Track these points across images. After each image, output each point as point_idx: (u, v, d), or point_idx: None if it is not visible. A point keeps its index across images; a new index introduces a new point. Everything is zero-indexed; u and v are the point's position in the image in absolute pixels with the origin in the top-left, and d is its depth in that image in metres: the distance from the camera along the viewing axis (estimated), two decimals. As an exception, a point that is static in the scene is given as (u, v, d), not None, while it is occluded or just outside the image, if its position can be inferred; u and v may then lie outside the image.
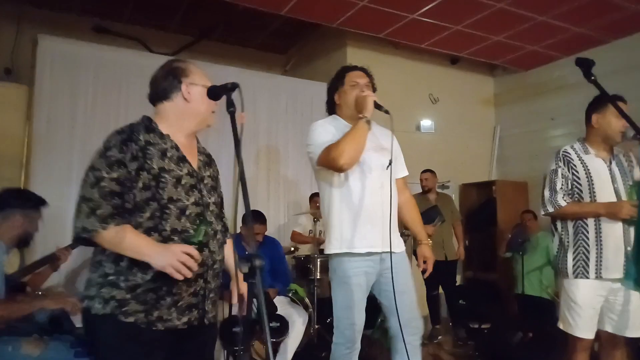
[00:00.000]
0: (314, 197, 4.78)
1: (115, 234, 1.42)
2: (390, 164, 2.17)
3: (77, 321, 2.22)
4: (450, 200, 5.20)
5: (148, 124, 1.57)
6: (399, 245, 2.28)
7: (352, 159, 2.10)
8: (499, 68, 6.35)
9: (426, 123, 5.99)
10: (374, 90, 2.34)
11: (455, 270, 4.96)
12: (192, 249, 1.41)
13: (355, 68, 2.37)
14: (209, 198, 1.62)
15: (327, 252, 2.25)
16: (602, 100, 2.34)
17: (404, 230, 3.98)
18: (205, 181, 1.63)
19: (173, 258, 1.39)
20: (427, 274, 2.37)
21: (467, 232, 5.58)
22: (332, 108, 2.40)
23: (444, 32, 5.06)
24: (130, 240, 1.43)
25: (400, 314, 2.12)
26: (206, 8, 5.20)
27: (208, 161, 1.71)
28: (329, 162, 2.12)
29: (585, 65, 1.61)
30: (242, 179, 1.34)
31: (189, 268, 1.41)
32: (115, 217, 1.43)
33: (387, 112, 2.09)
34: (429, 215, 4.37)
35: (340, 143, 2.09)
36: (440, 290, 4.82)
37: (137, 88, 4.35)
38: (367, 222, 2.17)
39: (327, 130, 2.23)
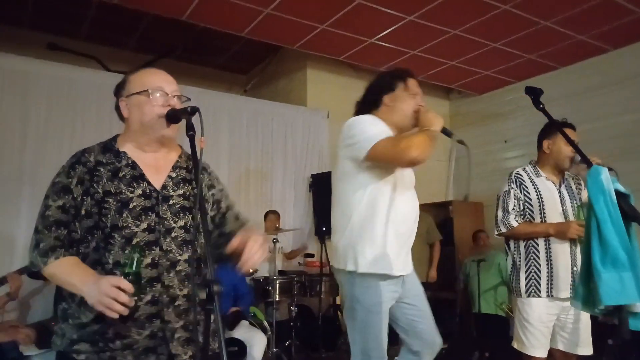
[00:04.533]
0: (270, 215, 4.73)
1: (54, 269, 1.33)
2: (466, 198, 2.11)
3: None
4: (427, 220, 4.99)
5: (108, 143, 1.47)
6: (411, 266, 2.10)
7: (424, 156, 1.82)
8: (455, 91, 6.58)
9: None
10: None
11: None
12: (122, 281, 1.21)
13: (413, 75, 2.12)
14: (174, 222, 1.42)
15: (358, 270, 1.90)
16: (552, 127, 2.46)
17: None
18: (172, 201, 1.43)
19: (101, 293, 1.20)
20: None
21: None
22: (370, 106, 2.08)
23: (401, 56, 5.21)
24: (66, 274, 1.31)
25: (427, 336, 2.07)
26: (166, 27, 5.15)
27: (188, 177, 1.50)
28: (396, 153, 1.83)
29: (534, 94, 1.69)
30: (200, 203, 1.32)
31: (124, 304, 1.21)
32: (56, 249, 1.33)
33: (461, 142, 2.04)
34: None
35: (414, 137, 1.85)
36: None
37: (93, 108, 4.23)
38: (404, 243, 2.00)
39: (378, 123, 1.96)
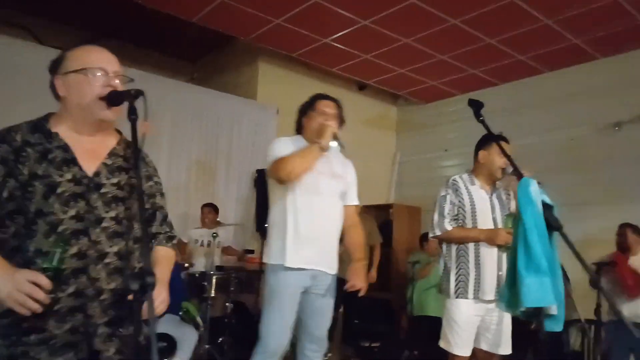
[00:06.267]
0: (204, 208, 4.65)
1: None
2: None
3: None
4: (369, 223, 5.15)
5: (38, 122, 1.37)
6: (334, 267, 2.41)
7: (294, 174, 2.24)
8: (402, 98, 6.76)
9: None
10: (342, 121, 2.51)
11: (358, 291, 5.00)
12: (40, 277, 1.14)
13: (327, 97, 2.50)
14: (105, 212, 1.34)
15: (265, 261, 2.37)
16: (488, 139, 2.61)
17: None
18: (104, 190, 1.35)
19: (14, 288, 1.12)
20: (362, 293, 2.47)
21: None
22: (299, 129, 2.52)
23: (353, 59, 5.29)
24: None
25: (314, 331, 2.33)
26: (113, 5, 4.91)
27: (125, 166, 1.42)
28: (274, 173, 2.27)
29: (476, 106, 1.78)
30: (139, 191, 1.27)
31: (38, 301, 1.14)
32: None
33: (341, 145, 2.33)
34: None
35: (289, 158, 2.25)
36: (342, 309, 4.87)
37: (25, 83, 3.94)
38: (307, 241, 2.29)
39: (285, 146, 2.34)
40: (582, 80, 5.07)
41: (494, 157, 2.63)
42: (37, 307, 1.13)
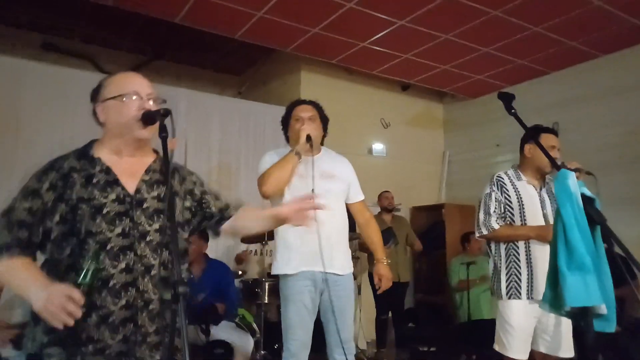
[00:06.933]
0: None
1: (4, 267, 1.33)
2: (313, 191, 2.32)
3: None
4: (405, 222, 5.33)
5: (83, 149, 1.48)
6: (344, 268, 2.40)
7: (274, 186, 2.29)
8: (448, 95, 6.60)
9: (378, 147, 6.12)
10: (326, 120, 2.51)
11: (405, 293, 5.03)
12: (73, 291, 1.19)
13: (303, 102, 2.52)
14: (149, 225, 1.42)
15: (272, 272, 2.42)
16: (533, 131, 2.49)
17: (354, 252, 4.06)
18: (146, 205, 1.44)
19: (49, 300, 1.18)
20: (381, 291, 2.51)
21: (417, 254, 5.75)
22: (286, 140, 2.57)
23: (394, 60, 5.24)
24: (15, 274, 1.32)
25: (340, 334, 2.31)
26: (160, 28, 5.18)
27: (162, 179, 1.50)
28: (259, 189, 2.32)
29: (506, 99, 1.71)
30: (170, 204, 1.34)
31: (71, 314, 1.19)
32: (11, 248, 1.33)
33: (311, 145, 2.31)
34: (382, 237, 4.40)
35: (266, 172, 2.32)
36: (390, 313, 4.85)
37: (85, 109, 4.23)
38: (309, 246, 2.28)
39: (269, 160, 2.40)
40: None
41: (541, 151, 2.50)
42: (68, 320, 1.18)
